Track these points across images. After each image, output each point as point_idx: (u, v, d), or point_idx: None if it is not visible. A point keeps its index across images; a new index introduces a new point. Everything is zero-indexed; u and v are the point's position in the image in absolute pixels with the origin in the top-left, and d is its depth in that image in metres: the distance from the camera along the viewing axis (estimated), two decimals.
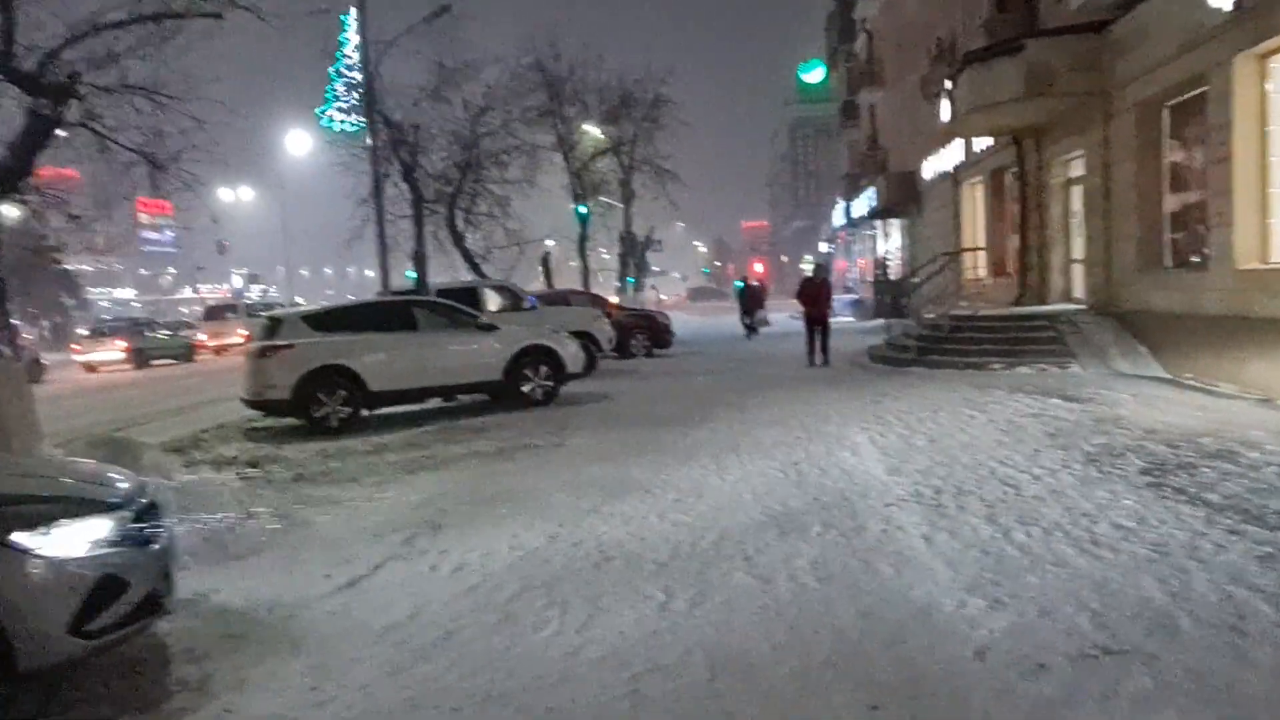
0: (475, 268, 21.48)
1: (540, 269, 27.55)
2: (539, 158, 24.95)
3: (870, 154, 35.65)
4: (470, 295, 15.75)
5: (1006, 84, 13.76)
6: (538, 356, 12.44)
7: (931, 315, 15.55)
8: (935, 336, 14.64)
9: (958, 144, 21.83)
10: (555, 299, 19.75)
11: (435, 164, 20.30)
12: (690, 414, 10.93)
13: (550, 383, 12.48)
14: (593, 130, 30.50)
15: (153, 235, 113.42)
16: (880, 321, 28.27)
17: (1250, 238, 10.12)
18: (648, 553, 5.45)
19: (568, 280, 35.34)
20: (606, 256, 43.52)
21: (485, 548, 5.77)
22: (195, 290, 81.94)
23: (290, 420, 11.64)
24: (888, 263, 42.82)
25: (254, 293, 74.70)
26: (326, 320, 11.76)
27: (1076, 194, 15.75)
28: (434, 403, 12.86)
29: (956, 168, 22.40)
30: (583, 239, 29.32)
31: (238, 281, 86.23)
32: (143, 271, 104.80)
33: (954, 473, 6.94)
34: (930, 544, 5.21)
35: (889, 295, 26.62)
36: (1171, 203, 12.40)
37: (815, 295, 16.36)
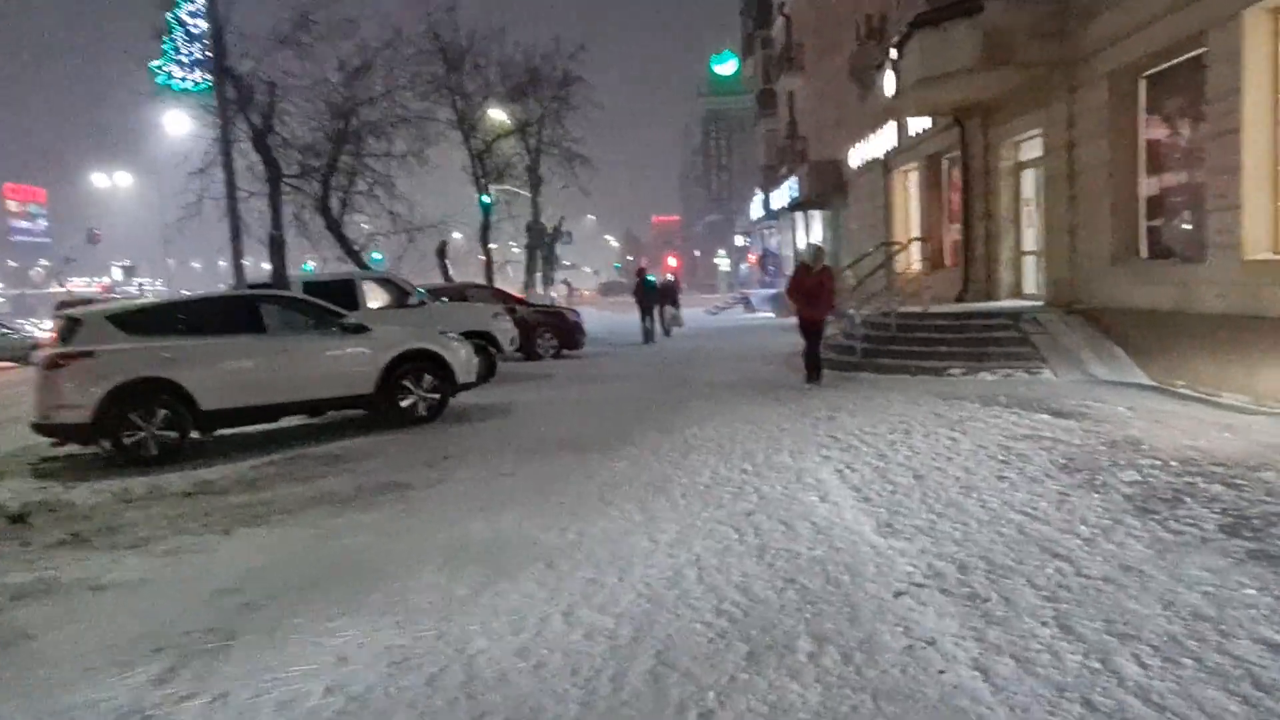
0: (354, 256, 18.94)
1: (437, 260, 24.96)
2: (434, 134, 22.45)
3: (790, 143, 34.23)
4: (345, 289, 13.35)
5: (961, 51, 12.14)
6: (420, 364, 10.21)
7: (870, 312, 13.86)
8: (881, 336, 12.96)
9: (889, 129, 20.37)
10: (451, 294, 17.44)
11: (300, 133, 17.60)
12: (606, 435, 8.91)
13: (436, 395, 10.28)
14: (498, 115, 28.19)
15: (23, 225, 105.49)
16: None
17: (1261, 223, 8.65)
18: (545, 700, 3.40)
19: (474, 274, 32.93)
20: (517, 250, 41.18)
21: (286, 689, 3.62)
22: (62, 284, 75.81)
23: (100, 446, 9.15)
24: (774, 256, 41.70)
25: (134, 286, 69.44)
26: (142, 320, 9.25)
27: (1029, 179, 14.32)
28: (294, 420, 10.50)
29: (888, 154, 20.94)
30: (485, 228, 26.93)
31: (118, 274, 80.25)
32: (11, 264, 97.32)
33: (970, 532, 5.08)
34: (993, 683, 3.30)
35: None
36: (1150, 185, 10.96)
37: (814, 291, 11.83)
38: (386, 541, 5.71)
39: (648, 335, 21.59)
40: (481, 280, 25.19)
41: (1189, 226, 10.14)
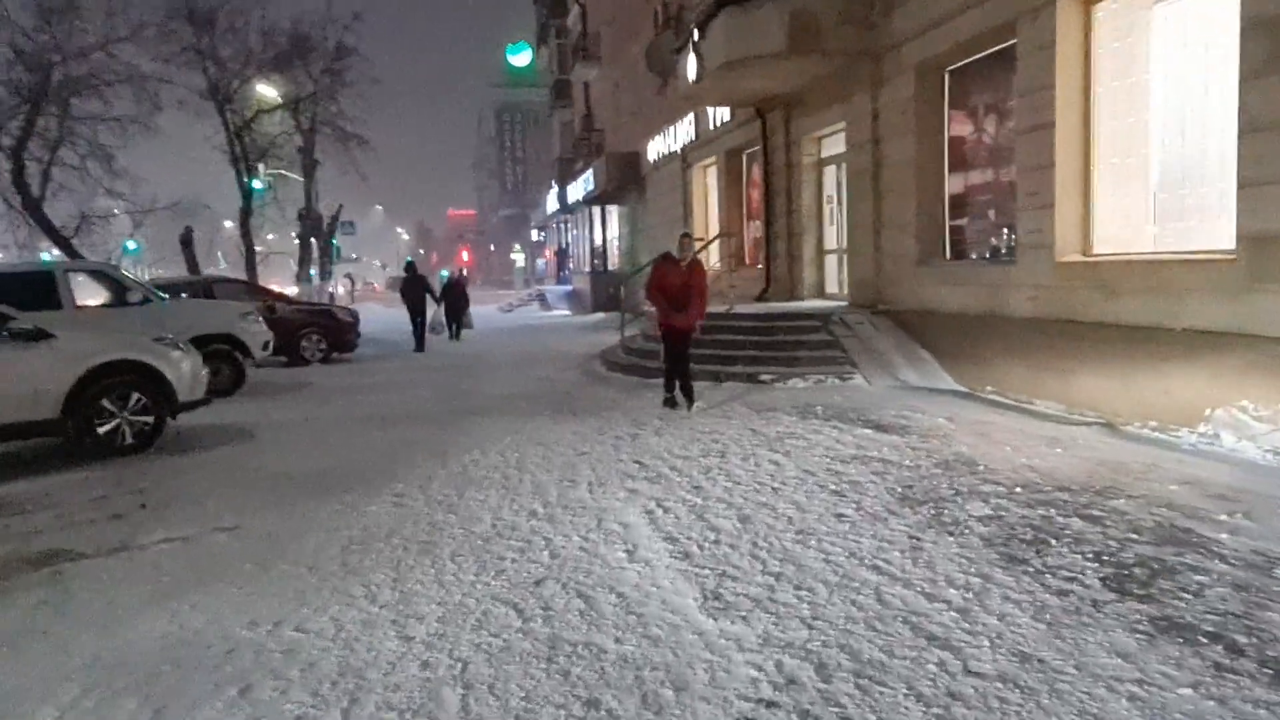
0: (62, 244, 15.84)
1: (183, 250, 21.77)
2: (181, 103, 19.41)
3: (586, 135, 33.24)
4: (42, 285, 10.73)
5: (768, 34, 11.36)
6: (127, 378, 8.08)
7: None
8: None
9: (688, 121, 19.68)
10: (195, 290, 14.88)
11: None
12: (367, 465, 7.28)
13: (148, 418, 8.18)
14: (267, 90, 25.19)
15: None
16: (600, 316, 25.86)
17: (1074, 224, 8.30)
18: None
19: (239, 268, 29.49)
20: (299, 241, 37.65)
21: None
22: None
23: None
24: (568, 251, 40.91)
25: None
26: None
27: (832, 175, 13.88)
28: None
29: (685, 148, 20.25)
30: (245, 214, 23.91)
31: None
32: None
33: (819, 603, 3.98)
34: None
35: (609, 287, 24.18)
36: (955, 184, 10.60)
37: (682, 291, 9.04)
38: (7, 664, 3.87)
39: (420, 341, 18.28)
40: (237, 273, 22.27)
41: (999, 227, 9.81)
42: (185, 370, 8.45)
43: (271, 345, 12.94)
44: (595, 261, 29.69)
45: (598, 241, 29.92)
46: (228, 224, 45.50)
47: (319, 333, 15.91)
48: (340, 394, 11.92)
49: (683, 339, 9.21)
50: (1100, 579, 4.07)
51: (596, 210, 29.67)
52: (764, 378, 10.39)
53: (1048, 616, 3.70)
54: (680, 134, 20.30)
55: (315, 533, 5.46)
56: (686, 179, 20.67)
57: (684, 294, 9.08)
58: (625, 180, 25.56)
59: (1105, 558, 4.33)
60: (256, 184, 33.53)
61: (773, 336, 11.20)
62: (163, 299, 11.89)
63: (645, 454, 7.19)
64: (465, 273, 22.29)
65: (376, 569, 4.75)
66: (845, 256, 13.27)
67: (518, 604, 4.16)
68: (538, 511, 5.69)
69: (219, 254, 52.13)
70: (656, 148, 22.76)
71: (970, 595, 3.97)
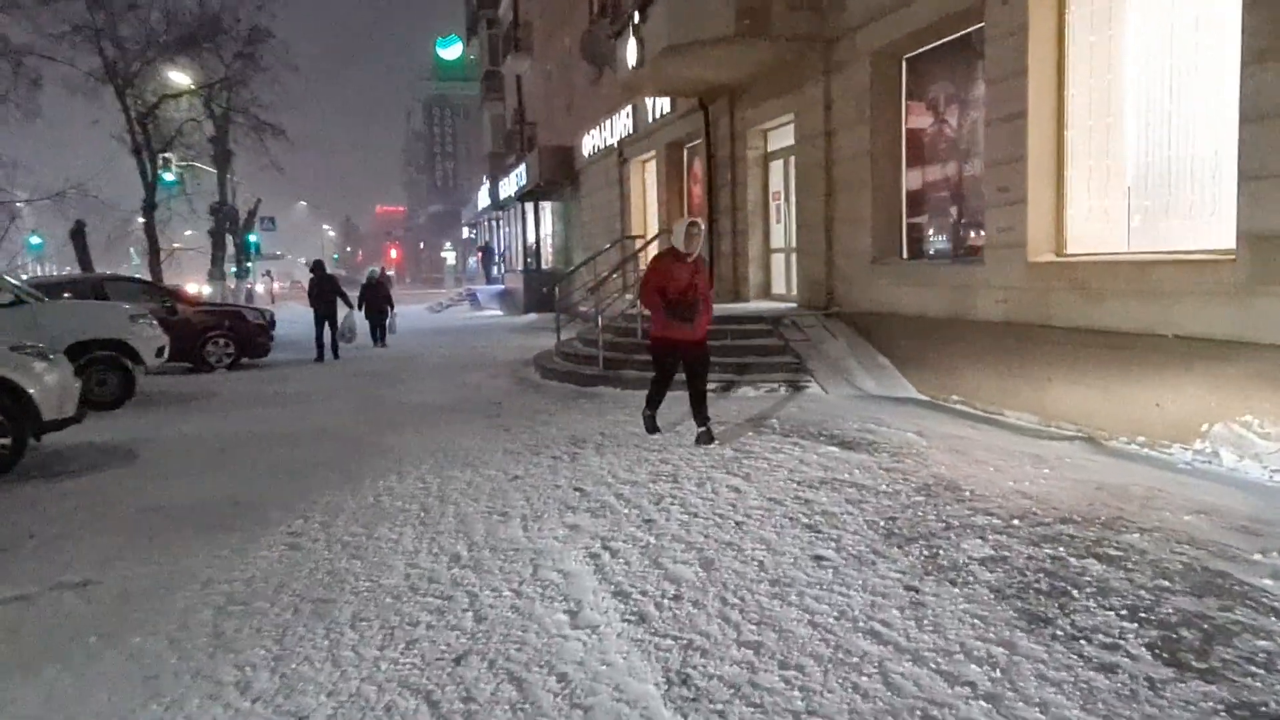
0: None
1: (74, 245, 20.07)
2: (70, 84, 17.78)
3: (518, 129, 32.18)
4: None
5: (714, 18, 10.59)
6: None
7: (613, 315, 12.05)
8: (626, 344, 11.15)
9: (624, 114, 18.85)
10: (84, 289, 13.47)
11: None
12: (259, 496, 6.26)
13: (5, 440, 7.01)
14: (180, 77, 23.54)
15: None
16: (533, 317, 24.87)
17: (1047, 222, 7.71)
18: None
19: (170, 265, 27.63)
20: (212, 238, 35.68)
21: None
22: None
23: None
24: (493, 249, 39.84)
25: None
26: None
27: (779, 169, 13.19)
28: None
29: (623, 142, 19.42)
30: (149, 208, 22.26)
31: None
32: None
33: (813, 690, 3.17)
34: None
35: (542, 287, 23.23)
36: (914, 178, 9.98)
37: (688, 293, 7.22)
38: None
39: (322, 350, 15.75)
40: (149, 271, 20.65)
41: (963, 224, 9.21)
42: (51, 383, 7.29)
43: (168, 350, 11.69)
44: (528, 260, 28.67)
45: (530, 239, 28.89)
46: (141, 220, 43.25)
47: (226, 336, 14.62)
48: (244, 405, 10.76)
49: (696, 354, 7.45)
50: (1146, 646, 3.36)
51: (529, 206, 28.64)
52: (710, 386, 9.59)
53: (1100, 706, 2.96)
54: (617, 127, 19.46)
55: (186, 588, 4.46)
56: (623, 174, 19.84)
57: (689, 297, 7.18)
58: (559, 175, 24.62)
59: (1142, 614, 3.63)
60: (168, 176, 31.75)
61: (720, 341, 10.41)
62: (39, 300, 10.57)
63: (587, 478, 6.33)
64: (387, 271, 19.94)
65: (256, 641, 3.80)
66: (794, 255, 12.60)
67: (431, 692, 3.27)
68: (461, 556, 4.79)
69: (130, 250, 49.43)
70: (592, 141, 21.88)
71: (997, 674, 3.20)
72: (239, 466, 7.28)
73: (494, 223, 37.87)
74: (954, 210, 9.37)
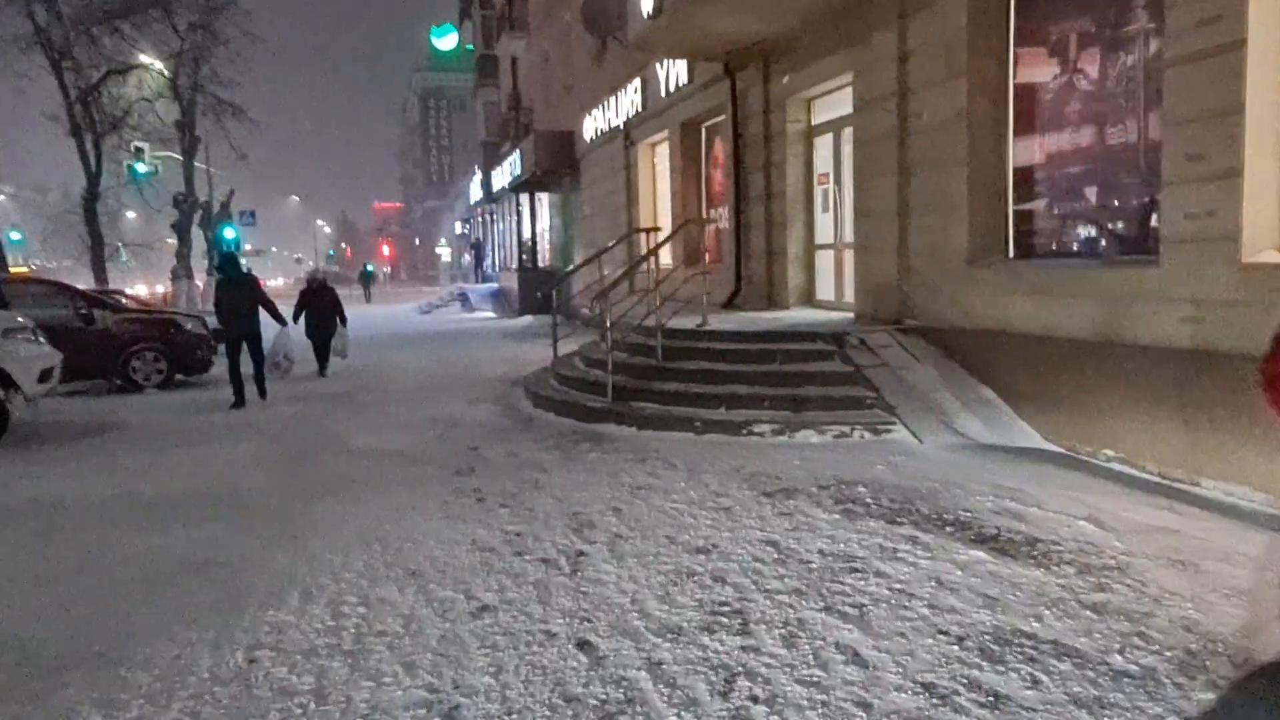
0: None
1: None
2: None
3: (513, 115, 29.72)
4: None
5: None
6: None
7: (627, 328, 9.53)
8: (643, 366, 8.70)
9: (632, 89, 16.39)
10: None
11: None
12: (47, 644, 3.79)
13: None
14: (151, 62, 21.12)
15: None
16: (529, 320, 22.42)
17: (1270, 205, 5.26)
18: None
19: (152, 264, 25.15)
20: (177, 232, 33.20)
21: None
22: None
23: None
24: (483, 246, 37.35)
25: None
26: None
27: (828, 146, 10.74)
28: None
29: (630, 122, 16.95)
30: (91, 197, 19.75)
31: None
32: None
33: None
34: None
35: (538, 287, 20.75)
36: (1024, 150, 7.51)
37: None
38: None
39: (240, 392, 10.46)
40: (92, 267, 18.15)
41: (1107, 210, 6.75)
42: None
43: (58, 371, 9.22)
44: (524, 257, 26.20)
45: (526, 234, 26.42)
46: (130, 214, 40.67)
47: (156, 350, 12.16)
48: (147, 446, 8.30)
49: None
50: None
51: (525, 198, 26.17)
52: (760, 428, 7.17)
53: None
54: (624, 105, 17.00)
55: None
56: (630, 159, 17.38)
57: None
58: (557, 163, 22.14)
59: None
60: (140, 166, 29.27)
61: (766, 364, 7.98)
62: None
63: (598, 614, 3.88)
64: (323, 276, 13.65)
65: None
66: (849, 254, 10.16)
67: None
68: None
69: (118, 245, 46.84)
70: (594, 124, 19.42)
71: None
72: (65, 571, 4.80)
73: (487, 217, 35.41)
74: (1092, 191, 6.91)
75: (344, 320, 13.72)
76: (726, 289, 12.20)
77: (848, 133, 10.07)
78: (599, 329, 10.59)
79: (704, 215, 14.28)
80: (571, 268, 21.21)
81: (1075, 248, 7.06)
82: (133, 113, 20.71)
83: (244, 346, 10.43)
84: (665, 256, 14.63)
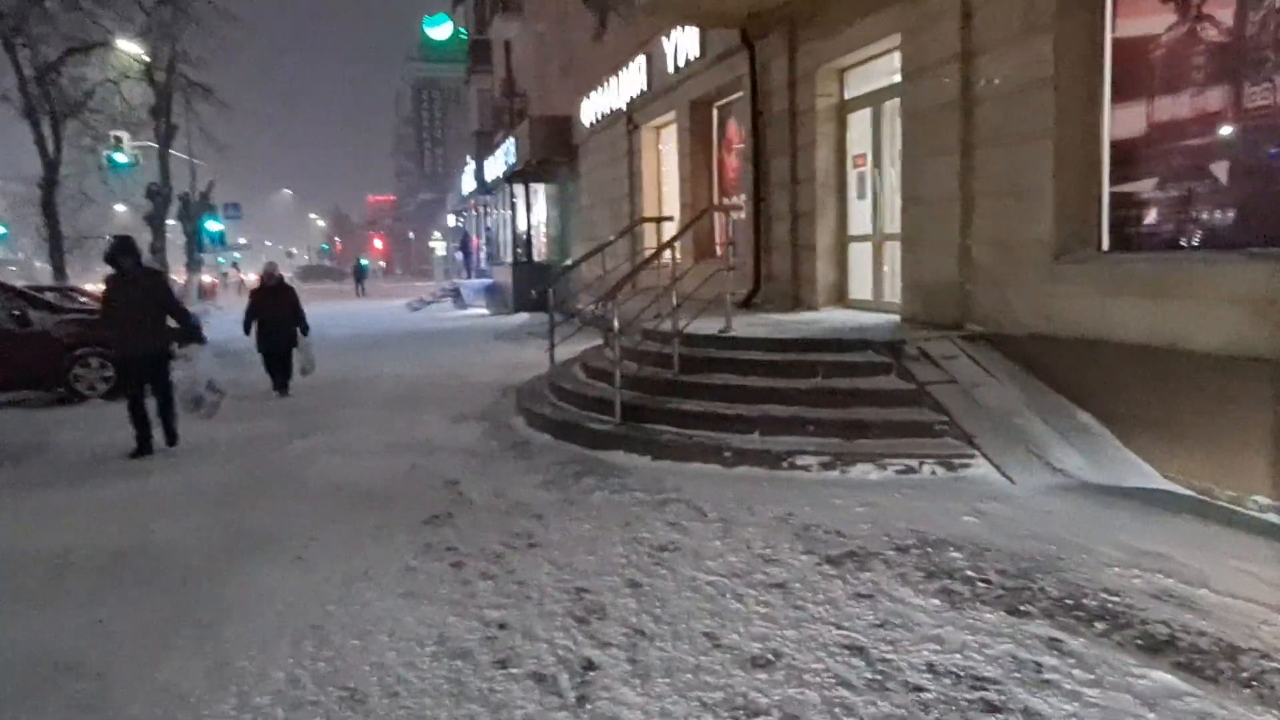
0: None
1: None
2: None
3: (507, 102, 28.31)
4: None
5: None
6: None
7: (639, 334, 8.13)
8: (657, 380, 7.33)
9: (635, 67, 15.03)
10: None
11: None
12: None
13: None
14: (118, 41, 19.70)
15: None
16: (525, 318, 21.04)
17: None
18: None
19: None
20: (151, 225, 31.67)
21: None
22: None
23: None
24: (470, 240, 35.90)
25: None
26: None
27: (864, 123, 9.39)
28: None
29: (633, 104, 15.57)
30: (49, 185, 18.32)
31: None
32: None
33: None
34: None
35: (534, 283, 19.35)
36: (1126, 120, 6.15)
37: None
38: None
39: (142, 431, 7.59)
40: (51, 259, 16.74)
41: (1242, 194, 5.40)
42: None
43: None
44: (518, 251, 24.79)
45: (521, 227, 25.02)
46: (119, 208, 39.12)
47: (101, 355, 10.78)
48: (57, 477, 6.91)
49: None
50: None
51: (520, 189, 24.76)
52: (804, 461, 5.82)
53: None
54: (627, 85, 15.61)
55: None
56: (634, 144, 16.00)
57: None
58: (554, 151, 20.74)
59: None
60: (120, 157, 27.79)
61: (808, 380, 6.63)
62: None
63: None
64: (273, 277, 11.07)
65: None
66: (890, 246, 8.82)
67: None
68: None
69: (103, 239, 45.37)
70: (594, 108, 18.03)
71: None
72: None
73: (481, 210, 33.97)
74: (1221, 168, 5.56)
75: (305, 329, 10.82)
76: (743, 287, 10.83)
77: (891, 106, 8.72)
78: (603, 331, 9.27)
79: (718, 204, 12.90)
80: (570, 262, 19.87)
81: (1195, 239, 5.70)
82: (95, 95, 19.29)
83: (145, 372, 7.57)
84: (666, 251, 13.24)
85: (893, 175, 8.96)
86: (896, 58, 8.28)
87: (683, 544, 4.65)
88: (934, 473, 5.60)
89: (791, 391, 6.49)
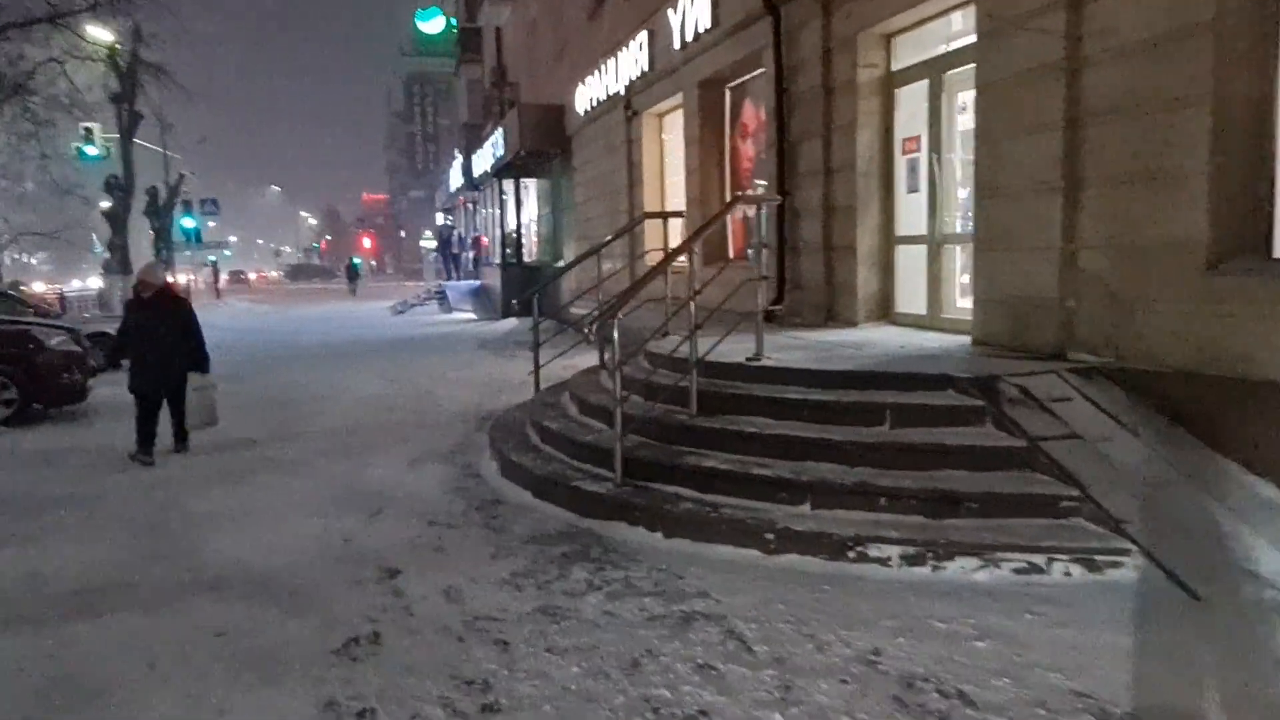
0: None
1: None
2: None
3: (497, 92, 26.65)
4: None
5: None
6: None
7: (645, 363, 6.43)
8: (669, 425, 5.63)
9: (636, 45, 13.37)
10: None
11: None
12: None
13: None
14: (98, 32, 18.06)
15: None
16: (513, 324, 19.36)
17: None
18: None
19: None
20: (110, 220, 29.86)
21: None
22: None
23: None
24: (450, 239, 34.16)
25: None
26: None
27: (917, 100, 7.72)
28: None
29: (633, 87, 13.90)
30: None
31: None
32: None
33: None
34: None
35: (524, 287, 17.63)
36: None
37: None
38: None
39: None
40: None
41: None
42: None
43: None
44: (507, 251, 23.08)
45: (510, 225, 23.33)
46: (104, 204, 37.38)
47: (2, 373, 9.07)
48: None
49: None
50: None
51: (509, 185, 23.07)
52: (879, 551, 4.16)
53: None
54: (626, 66, 13.94)
55: None
56: (633, 133, 14.33)
57: None
58: (545, 141, 19.04)
59: None
60: (90, 149, 26.08)
61: (870, 428, 4.97)
62: None
63: None
64: (157, 273, 7.74)
65: None
66: (959, 250, 7.19)
67: None
68: None
69: (93, 235, 43.45)
70: (589, 94, 16.35)
71: None
72: None
73: (470, 206, 32.27)
74: None
75: (204, 362, 7.47)
76: (768, 293, 9.16)
77: (955, 77, 7.08)
78: (599, 348, 7.66)
79: (746, 194, 11.23)
80: (563, 264, 18.19)
81: None
82: (37, 75, 17.54)
83: None
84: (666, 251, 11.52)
85: (955, 163, 7.32)
86: (960, 17, 6.66)
87: (720, 710, 2.99)
88: (1068, 574, 3.94)
89: (851, 446, 4.82)
